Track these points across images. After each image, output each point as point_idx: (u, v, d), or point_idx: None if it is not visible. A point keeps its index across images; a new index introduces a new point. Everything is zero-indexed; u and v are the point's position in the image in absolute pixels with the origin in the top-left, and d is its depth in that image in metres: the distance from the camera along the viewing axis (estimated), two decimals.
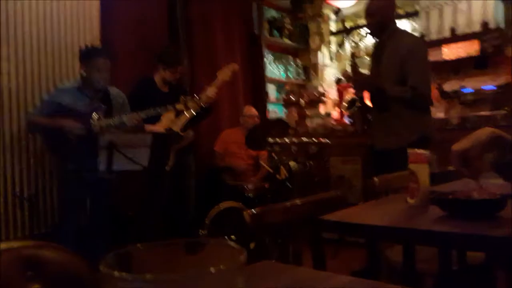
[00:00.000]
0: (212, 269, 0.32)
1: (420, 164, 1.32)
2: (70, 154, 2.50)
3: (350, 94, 3.93)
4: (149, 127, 3.10)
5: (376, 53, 2.80)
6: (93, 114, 2.67)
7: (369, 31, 2.86)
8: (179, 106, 2.82)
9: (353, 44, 3.05)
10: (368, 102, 2.89)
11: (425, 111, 2.73)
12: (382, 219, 1.18)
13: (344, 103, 2.94)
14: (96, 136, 2.36)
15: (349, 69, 2.89)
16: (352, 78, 2.87)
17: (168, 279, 0.32)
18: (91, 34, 3.42)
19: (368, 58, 3.04)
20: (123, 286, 0.32)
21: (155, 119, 3.13)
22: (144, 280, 0.32)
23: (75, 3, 3.32)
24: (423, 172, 1.30)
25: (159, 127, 3.16)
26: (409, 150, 1.34)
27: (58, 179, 3.05)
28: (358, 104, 2.79)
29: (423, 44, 2.74)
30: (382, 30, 2.73)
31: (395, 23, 2.79)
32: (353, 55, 2.95)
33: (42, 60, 3.12)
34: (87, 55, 2.76)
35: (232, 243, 0.37)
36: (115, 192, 2.86)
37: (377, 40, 2.83)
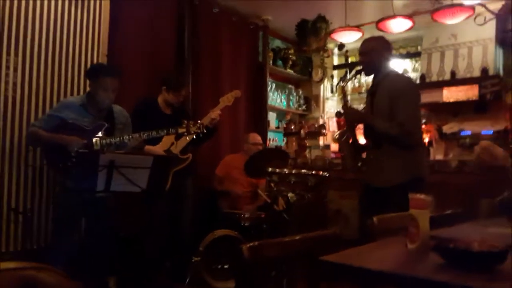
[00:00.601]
0: None
1: (421, 210, 1.33)
2: (69, 171, 2.49)
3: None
4: (149, 148, 3.11)
5: (371, 91, 2.87)
6: (95, 132, 2.67)
7: (362, 69, 2.92)
8: (181, 130, 2.84)
9: (348, 79, 3.16)
10: (362, 138, 2.93)
11: (417, 151, 2.75)
12: (382, 263, 1.18)
13: (335, 135, 2.98)
14: (97, 155, 2.36)
15: (341, 103, 2.98)
16: (344, 111, 2.93)
17: None
18: (98, 50, 3.47)
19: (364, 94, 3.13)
20: None
21: (156, 140, 3.14)
22: None
23: (85, 18, 3.38)
24: (423, 218, 1.31)
25: (159, 149, 3.17)
26: (410, 195, 1.35)
27: (54, 195, 3.03)
28: (348, 137, 2.82)
29: (414, 87, 2.84)
30: (374, 69, 2.81)
31: (388, 66, 2.85)
32: (344, 90, 3.01)
33: (49, 72, 3.16)
34: (94, 73, 2.77)
35: None
36: (111, 212, 2.84)
37: (373, 79, 2.90)
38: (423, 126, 5.09)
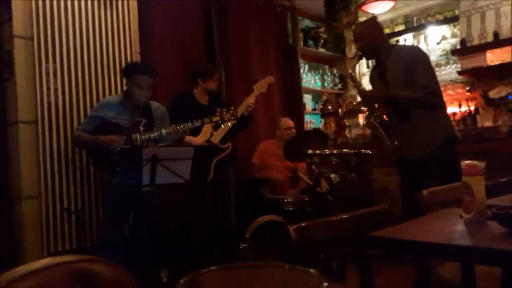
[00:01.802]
0: None
1: (475, 177, 1.25)
2: (113, 169, 2.56)
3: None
4: (189, 139, 3.15)
5: (378, 73, 2.86)
6: (135, 128, 2.73)
7: (361, 53, 2.94)
8: (216, 118, 2.85)
9: (353, 65, 3.18)
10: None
11: (442, 110, 2.76)
12: (437, 236, 1.12)
13: (363, 122, 2.98)
14: (140, 150, 2.41)
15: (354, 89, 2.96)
16: (360, 94, 2.95)
17: None
18: (131, 49, 3.52)
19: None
20: None
21: (195, 132, 3.17)
22: None
23: (115, 19, 3.43)
24: (478, 185, 1.24)
25: (199, 140, 3.20)
26: (463, 162, 1.29)
27: (103, 193, 3.13)
28: (375, 118, 2.81)
29: (422, 50, 2.88)
30: (374, 52, 2.83)
31: (388, 43, 2.91)
32: (353, 75, 3.03)
33: (86, 75, 3.24)
34: (129, 72, 2.84)
35: (311, 270, 0.34)
36: (157, 205, 2.90)
37: (376, 60, 2.91)
38: (468, 94, 4.85)
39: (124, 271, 0.98)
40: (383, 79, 2.80)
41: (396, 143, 2.75)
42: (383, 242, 1.18)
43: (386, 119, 2.82)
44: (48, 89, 3.04)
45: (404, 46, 3.06)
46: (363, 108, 4.82)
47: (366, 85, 3.28)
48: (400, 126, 2.75)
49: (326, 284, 0.31)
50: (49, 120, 3.02)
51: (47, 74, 3.04)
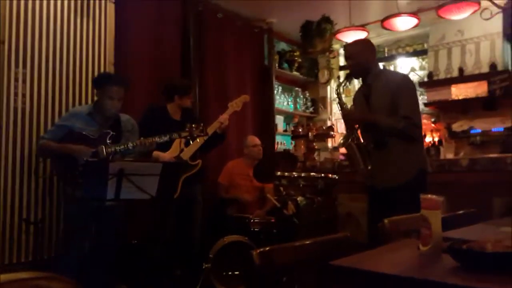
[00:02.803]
0: None
1: (433, 211, 1.30)
2: (78, 181, 2.50)
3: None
4: (158, 155, 3.12)
5: (364, 94, 2.84)
6: (101, 140, 2.69)
7: (350, 73, 2.93)
8: (185, 134, 2.85)
9: (340, 82, 3.09)
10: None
11: (419, 143, 2.76)
12: (394, 267, 1.16)
13: (340, 140, 2.94)
14: (106, 163, 2.37)
15: (337, 107, 2.94)
16: (342, 114, 2.88)
17: None
18: (105, 59, 3.49)
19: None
20: None
21: (165, 147, 3.15)
22: None
23: (91, 28, 3.41)
24: (435, 219, 1.29)
25: (167, 155, 3.17)
26: (422, 196, 1.33)
27: (64, 205, 3.05)
28: (353, 139, 2.77)
29: (412, 81, 2.85)
30: (363, 72, 2.80)
31: (377, 65, 2.87)
32: (338, 92, 2.95)
33: (57, 83, 3.19)
34: (100, 82, 2.81)
35: None
36: (121, 220, 2.84)
37: (363, 81, 2.88)
38: (432, 125, 5.04)
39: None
40: (367, 101, 2.77)
41: (369, 167, 2.73)
42: (344, 271, 1.21)
43: (362, 142, 2.79)
44: (16, 94, 2.97)
45: (393, 72, 3.03)
46: (332, 133, 4.93)
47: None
48: (376, 152, 2.73)
49: None
50: (14, 126, 2.94)
51: (16, 80, 2.97)
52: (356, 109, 2.93)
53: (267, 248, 1.33)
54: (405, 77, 2.90)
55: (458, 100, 4.71)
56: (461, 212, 2.12)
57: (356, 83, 4.56)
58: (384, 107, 2.66)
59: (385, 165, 2.68)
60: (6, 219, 2.85)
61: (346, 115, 2.86)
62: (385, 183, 2.68)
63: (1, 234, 2.82)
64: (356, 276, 1.18)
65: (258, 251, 1.30)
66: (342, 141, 2.86)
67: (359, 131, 2.84)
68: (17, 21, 2.98)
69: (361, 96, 2.87)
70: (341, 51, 5.84)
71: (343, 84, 3.00)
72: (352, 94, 3.43)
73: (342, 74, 6.00)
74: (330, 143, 5.46)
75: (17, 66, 2.97)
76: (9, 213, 2.87)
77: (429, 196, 1.33)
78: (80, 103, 3.28)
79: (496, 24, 4.43)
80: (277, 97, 5.39)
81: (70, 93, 3.26)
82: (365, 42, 2.96)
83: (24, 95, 3.01)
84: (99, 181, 2.33)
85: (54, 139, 2.70)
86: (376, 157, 2.74)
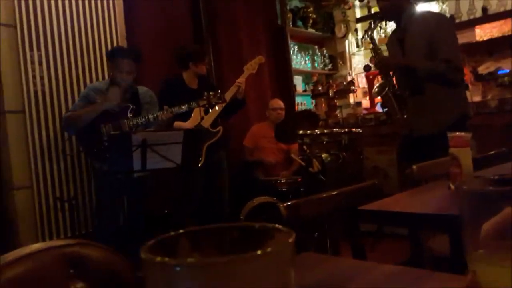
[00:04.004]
0: (259, 252, 0.30)
1: (462, 148, 1.26)
2: (104, 155, 2.55)
3: (379, 80, 3.80)
4: (179, 124, 3.13)
5: (398, 38, 2.67)
6: (122, 114, 2.71)
7: (381, 14, 2.78)
8: (203, 102, 2.85)
9: (373, 27, 2.83)
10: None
11: (460, 88, 2.60)
12: (424, 207, 1.13)
13: (374, 89, 2.80)
14: (129, 135, 2.39)
15: (370, 55, 2.76)
16: (377, 60, 2.71)
17: (212, 263, 0.29)
18: (117, 33, 3.47)
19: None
20: (164, 272, 0.30)
21: (185, 117, 3.15)
22: (187, 264, 0.30)
23: (100, 6, 3.37)
24: (465, 156, 1.25)
25: (188, 124, 3.18)
26: (449, 134, 1.29)
27: (94, 180, 3.12)
28: (389, 87, 2.65)
29: (448, 19, 2.62)
30: (397, 13, 2.62)
31: (413, 6, 2.67)
32: (373, 39, 2.78)
33: (72, 62, 3.20)
34: (111, 55, 2.85)
35: (279, 226, 0.34)
36: (150, 190, 2.90)
37: (396, 24, 2.71)
38: None
39: (116, 253, 0.98)
40: (402, 45, 2.61)
41: (405, 116, 2.60)
42: (373, 215, 1.19)
43: (398, 89, 2.66)
44: (34, 77, 3.00)
45: (429, 13, 2.78)
46: (352, 88, 4.82)
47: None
48: (412, 99, 2.59)
49: (291, 238, 0.32)
50: (36, 109, 2.99)
51: (32, 62, 2.99)
52: (390, 55, 2.76)
53: (294, 201, 1.32)
54: (443, 17, 2.72)
55: (483, 41, 4.51)
56: (492, 152, 2.05)
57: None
58: (420, 51, 2.50)
59: (424, 112, 2.55)
60: (41, 199, 2.95)
61: (381, 61, 2.69)
62: (423, 131, 2.55)
63: (38, 214, 2.93)
64: (385, 220, 1.17)
65: (285, 204, 1.29)
66: (377, 90, 2.72)
67: (394, 78, 2.70)
68: (26, 5, 2.97)
69: (395, 40, 2.70)
70: (357, 2, 5.63)
71: (373, 27, 2.81)
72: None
73: (359, 26, 5.80)
74: (352, 99, 5.36)
75: (31, 49, 2.99)
76: (43, 194, 2.96)
77: (457, 133, 1.29)
78: (97, 79, 3.29)
79: None
80: (294, 57, 5.27)
81: (87, 71, 3.28)
82: None
83: (42, 77, 3.04)
84: (124, 153, 2.37)
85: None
86: (413, 103, 2.60)
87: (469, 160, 1.25)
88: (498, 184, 1.07)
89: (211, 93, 2.85)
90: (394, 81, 2.70)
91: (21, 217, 2.87)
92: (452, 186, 1.24)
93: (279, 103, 4.09)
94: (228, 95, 3.23)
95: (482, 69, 4.50)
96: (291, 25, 5.23)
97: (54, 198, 2.99)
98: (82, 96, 2.85)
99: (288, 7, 5.24)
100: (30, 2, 2.99)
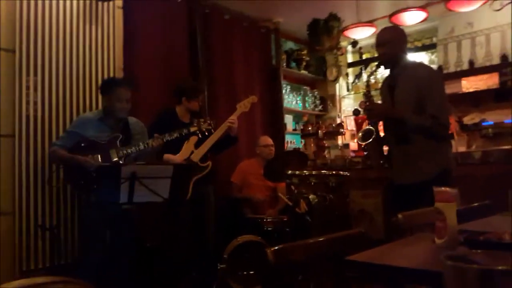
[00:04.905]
0: None
1: (447, 204, 1.29)
2: (91, 187, 2.53)
3: (366, 125, 3.88)
4: (169, 157, 3.14)
5: (389, 85, 2.74)
6: (112, 144, 2.72)
7: (380, 62, 2.82)
8: (193, 129, 2.90)
9: (370, 75, 2.93)
10: (382, 134, 2.82)
11: (445, 142, 2.65)
12: (410, 260, 1.15)
13: (359, 134, 2.86)
14: (118, 167, 2.39)
15: (363, 99, 2.83)
16: (367, 107, 2.77)
17: None
18: (114, 65, 3.52)
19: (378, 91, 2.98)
20: None
21: (176, 150, 3.16)
22: None
23: (100, 34, 3.43)
24: (450, 212, 1.28)
25: (178, 158, 3.19)
26: (435, 188, 1.32)
27: (79, 211, 3.08)
28: (373, 135, 2.71)
29: (439, 74, 2.70)
30: (393, 61, 2.69)
31: (406, 56, 2.76)
32: (368, 84, 2.86)
33: (67, 89, 3.21)
34: (108, 86, 2.86)
35: None
36: (135, 223, 2.86)
37: (390, 71, 2.79)
38: None
39: None
40: (392, 93, 2.67)
41: (381, 162, 2.65)
42: (359, 266, 1.20)
43: (383, 136, 2.70)
44: (28, 102, 3.00)
45: (421, 65, 2.84)
46: (341, 130, 4.90)
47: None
48: (397, 147, 2.64)
49: None
50: (26, 134, 2.97)
51: (27, 87, 3.01)
52: (382, 102, 2.82)
53: (281, 246, 1.33)
54: (435, 73, 2.77)
55: (469, 93, 4.66)
56: (475, 204, 2.09)
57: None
58: (409, 101, 2.56)
59: (406, 161, 2.60)
60: (22, 226, 2.89)
61: (374, 109, 2.75)
62: (405, 180, 2.61)
63: (18, 241, 2.86)
64: (371, 271, 1.17)
65: (272, 249, 1.30)
66: (361, 136, 2.76)
67: (380, 124, 2.76)
68: (27, 30, 3.01)
69: (386, 87, 2.77)
70: (349, 48, 5.82)
71: (372, 74, 2.87)
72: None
73: (350, 71, 5.97)
74: (340, 141, 5.44)
75: (28, 74, 3.01)
76: (25, 220, 2.90)
77: (443, 188, 1.32)
78: (91, 109, 3.30)
79: (507, 14, 4.37)
80: (286, 96, 5.38)
81: (81, 100, 3.29)
82: (398, 30, 2.83)
83: (35, 103, 3.04)
84: (112, 185, 2.36)
85: (65, 146, 2.74)
86: (397, 152, 2.66)
87: (454, 215, 1.28)
88: (483, 245, 1.10)
89: (201, 119, 2.90)
90: (380, 128, 2.75)
91: (2, 243, 2.80)
92: (437, 241, 1.27)
93: (269, 140, 4.14)
94: (219, 131, 3.29)
95: (467, 120, 4.63)
96: (285, 66, 5.38)
97: (35, 226, 2.92)
98: (71, 129, 2.83)
99: (283, 49, 5.40)
100: (32, 28, 3.03)
